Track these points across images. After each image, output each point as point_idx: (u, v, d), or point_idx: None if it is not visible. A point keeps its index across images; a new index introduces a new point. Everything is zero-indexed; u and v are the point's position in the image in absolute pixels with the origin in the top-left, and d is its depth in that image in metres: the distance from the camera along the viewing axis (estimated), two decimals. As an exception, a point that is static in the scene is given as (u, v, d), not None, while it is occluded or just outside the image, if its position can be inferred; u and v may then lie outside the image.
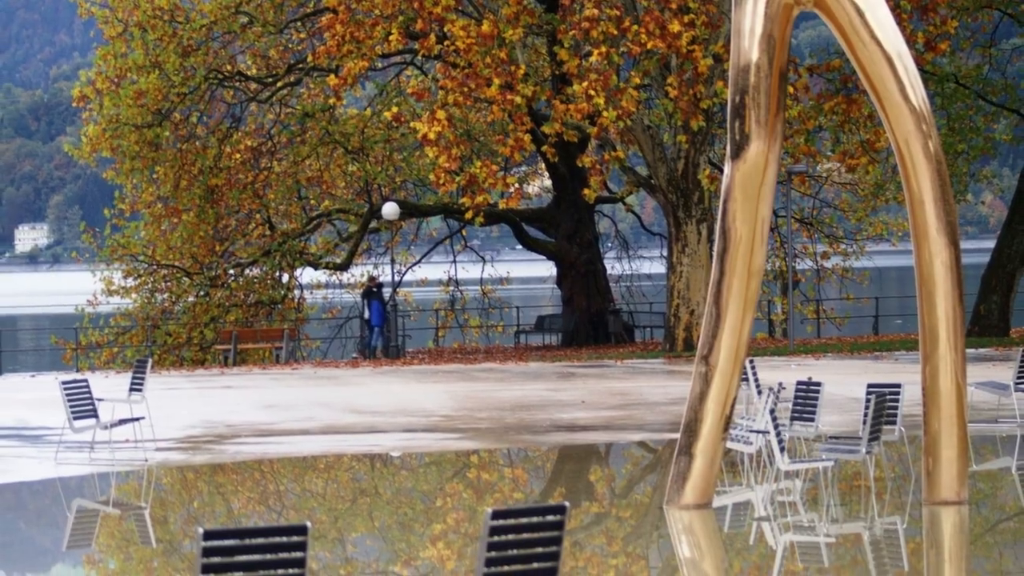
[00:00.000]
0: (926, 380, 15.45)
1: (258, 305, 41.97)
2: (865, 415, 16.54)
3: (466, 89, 33.55)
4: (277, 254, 41.79)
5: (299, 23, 42.30)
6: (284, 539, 8.68)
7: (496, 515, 9.00)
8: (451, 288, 46.51)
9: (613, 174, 42.42)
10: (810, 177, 40.54)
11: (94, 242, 43.28)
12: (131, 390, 21.50)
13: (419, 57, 40.15)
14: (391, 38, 34.86)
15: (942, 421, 15.35)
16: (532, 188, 48.11)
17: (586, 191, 35.78)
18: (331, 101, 39.74)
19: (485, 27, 33.72)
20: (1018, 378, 21.78)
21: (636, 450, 21.71)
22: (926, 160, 15.32)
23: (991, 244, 41.10)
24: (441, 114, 33.50)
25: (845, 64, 34.28)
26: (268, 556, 8.63)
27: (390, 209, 39.60)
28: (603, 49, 32.90)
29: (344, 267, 44.03)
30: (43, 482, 18.96)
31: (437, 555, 14.62)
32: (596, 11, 32.84)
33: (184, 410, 25.62)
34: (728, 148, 15.43)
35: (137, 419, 20.23)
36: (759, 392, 19.84)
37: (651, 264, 47.44)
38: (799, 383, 18.10)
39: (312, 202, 45.09)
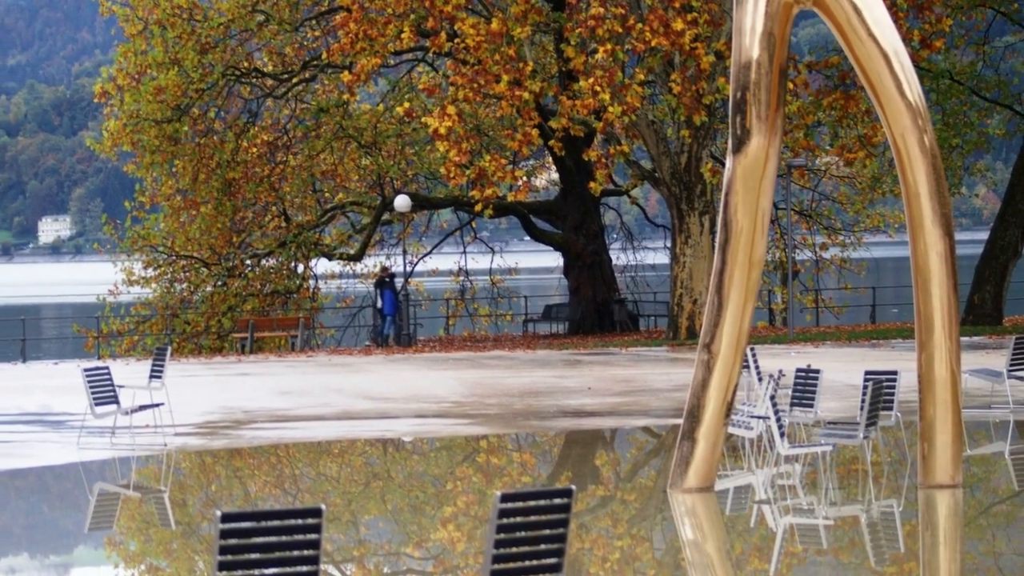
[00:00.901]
0: (922, 367, 15.54)
1: (274, 295, 42.26)
2: (863, 401, 16.62)
3: (476, 85, 33.83)
4: (292, 245, 42.12)
5: (314, 21, 42.54)
6: (299, 521, 8.71)
7: (505, 498, 9.05)
8: (461, 278, 46.74)
9: (618, 167, 42.68)
10: (809, 171, 40.68)
11: (115, 233, 43.49)
12: (151, 377, 21.66)
13: (430, 54, 40.35)
14: (403, 36, 35.10)
15: (937, 407, 15.46)
16: (540, 181, 48.33)
17: (592, 184, 35.96)
18: (345, 97, 40.05)
19: (494, 25, 34.00)
20: (1011, 365, 21.92)
21: (640, 435, 21.77)
22: (922, 154, 15.41)
23: (985, 236, 41.09)
24: (452, 109, 33.79)
25: (843, 61, 34.50)
26: (284, 538, 8.67)
27: (402, 201, 39.84)
28: (608, 46, 33.17)
29: (357, 258, 44.31)
30: (66, 466, 19.02)
31: (448, 537, 14.76)
32: (602, 9, 33.12)
33: (202, 396, 25.71)
34: (730, 143, 15.48)
35: (157, 405, 20.36)
36: (760, 379, 19.70)
37: (655, 255, 47.34)
38: (798, 370, 18.13)
39: (326, 195, 45.37)
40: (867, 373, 17.82)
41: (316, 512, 8.80)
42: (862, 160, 36.81)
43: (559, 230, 43.53)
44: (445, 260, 46.79)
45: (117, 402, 19.79)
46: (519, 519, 9.11)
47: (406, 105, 37.28)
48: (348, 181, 45.02)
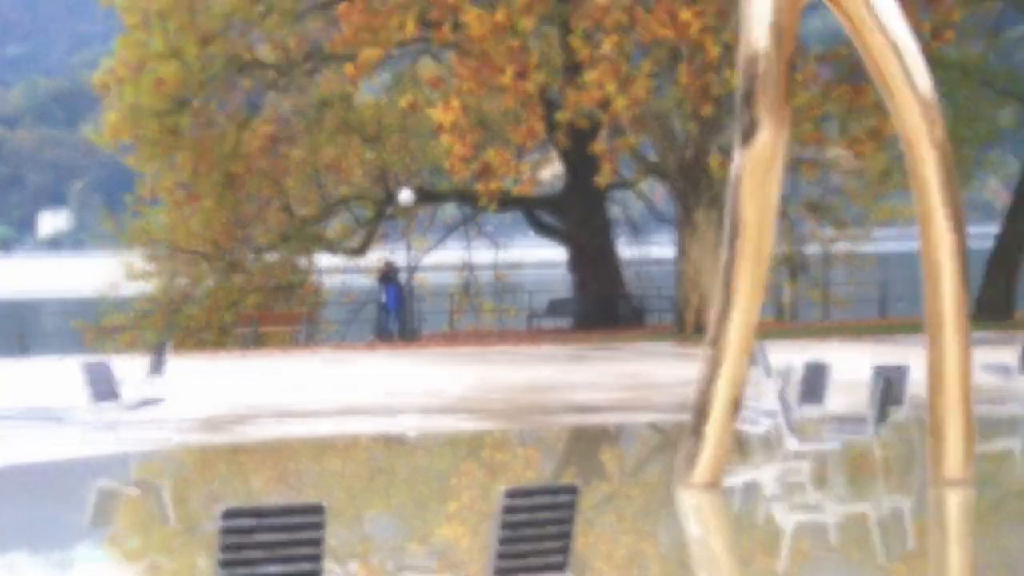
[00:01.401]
0: (932, 362, 15.51)
1: (277, 289, 42.35)
2: (872, 396, 16.69)
3: (480, 77, 33.84)
4: (295, 240, 42.17)
5: (316, 12, 42.58)
6: (301, 518, 8.74)
7: (510, 494, 9.13)
8: (465, 273, 46.84)
9: (624, 161, 42.60)
10: (818, 163, 40.73)
11: (116, 227, 43.70)
12: (152, 372, 21.73)
13: (434, 46, 40.36)
14: (406, 27, 35.12)
15: (947, 402, 15.46)
16: (545, 174, 48.31)
17: (597, 178, 36.03)
18: (348, 89, 40.04)
19: (499, 16, 33.97)
20: (1022, 360, 21.96)
21: (646, 431, 21.82)
22: (932, 147, 15.41)
23: (996, 229, 41.19)
24: (455, 102, 33.79)
25: (852, 52, 34.40)
26: (286, 535, 8.69)
27: (406, 195, 39.89)
28: (614, 38, 33.12)
29: (361, 252, 44.39)
30: (67, 462, 19.03)
31: (452, 533, 14.80)
32: (607, 0, 33.12)
33: (205, 392, 25.78)
34: (737, 135, 15.47)
35: (158, 400, 20.42)
36: (768, 374, 19.93)
37: (661, 249, 47.59)
38: (807, 365, 18.20)
39: (329, 188, 45.44)
40: (876, 368, 17.96)
41: (318, 509, 8.80)
42: (871, 153, 36.72)
43: (564, 224, 43.50)
44: (449, 254, 46.88)
45: (119, 397, 19.84)
46: (524, 515, 9.19)
47: (409, 97, 37.25)
48: (351, 175, 45.09)
